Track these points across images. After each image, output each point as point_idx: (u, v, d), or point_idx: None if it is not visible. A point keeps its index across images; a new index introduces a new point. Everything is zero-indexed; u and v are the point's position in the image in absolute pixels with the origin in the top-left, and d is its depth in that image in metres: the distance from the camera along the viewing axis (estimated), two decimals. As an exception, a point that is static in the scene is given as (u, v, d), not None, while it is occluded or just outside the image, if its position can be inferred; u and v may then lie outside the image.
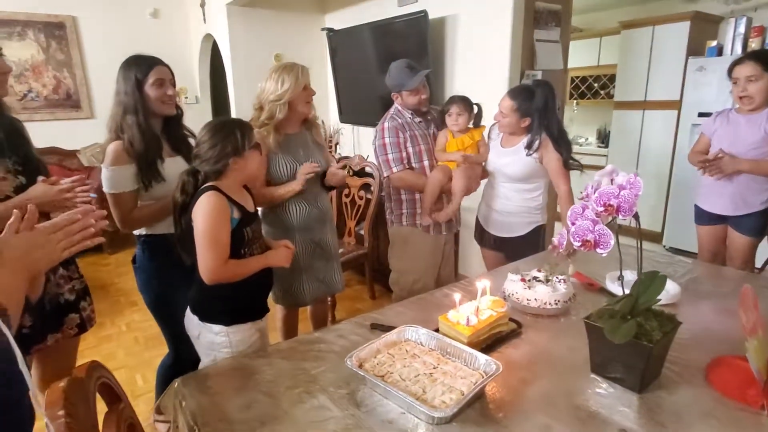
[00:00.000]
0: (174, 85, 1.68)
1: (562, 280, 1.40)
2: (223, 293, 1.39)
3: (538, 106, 1.94)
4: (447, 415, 0.90)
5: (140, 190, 1.61)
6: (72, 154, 4.30)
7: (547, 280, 1.39)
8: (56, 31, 4.29)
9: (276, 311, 2.12)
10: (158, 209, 1.62)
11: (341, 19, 4.15)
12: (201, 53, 4.82)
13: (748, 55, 2.07)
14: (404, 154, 2.06)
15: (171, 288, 1.66)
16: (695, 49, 3.95)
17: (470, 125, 2.09)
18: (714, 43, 3.86)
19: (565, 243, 0.96)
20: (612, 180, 1.02)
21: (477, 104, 2.08)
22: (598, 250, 0.87)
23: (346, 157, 3.80)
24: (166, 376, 1.80)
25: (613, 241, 0.87)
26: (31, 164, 1.37)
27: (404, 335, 1.20)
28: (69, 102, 4.52)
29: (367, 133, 4.10)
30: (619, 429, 0.90)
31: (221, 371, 1.14)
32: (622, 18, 4.48)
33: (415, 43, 3.10)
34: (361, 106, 3.99)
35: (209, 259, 1.32)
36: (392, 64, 2.07)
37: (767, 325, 0.99)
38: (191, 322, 1.46)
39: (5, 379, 0.82)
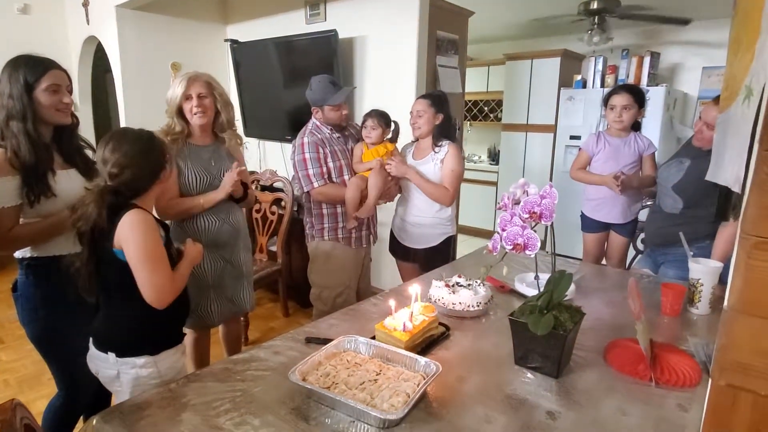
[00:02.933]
0: (71, 92, 1.51)
1: (481, 284, 1.53)
2: (142, 322, 1.27)
3: (445, 105, 2.15)
4: (398, 416, 0.93)
5: (23, 206, 1.41)
6: None
7: (469, 285, 1.51)
8: None
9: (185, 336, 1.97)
10: (46, 227, 1.43)
11: (245, 32, 4.05)
12: (81, 57, 4.34)
13: (623, 87, 2.47)
14: (325, 169, 2.08)
15: (61, 319, 1.47)
16: (565, 80, 4.58)
17: (386, 140, 2.19)
18: (579, 77, 4.52)
19: (498, 246, 1.07)
20: (526, 191, 1.16)
21: (395, 122, 2.20)
22: (527, 251, 0.98)
23: (253, 172, 3.68)
24: (58, 418, 1.57)
25: (539, 244, 0.99)
26: None
27: (343, 346, 1.21)
28: None
29: (273, 148, 4.02)
30: (547, 411, 1.01)
31: (149, 401, 1.04)
32: (507, 50, 5.03)
33: (323, 61, 3.15)
34: (267, 120, 3.91)
35: (158, 279, 1.21)
36: (313, 78, 2.09)
37: (647, 311, 1.20)
38: (103, 362, 1.29)
39: None
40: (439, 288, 1.53)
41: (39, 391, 2.24)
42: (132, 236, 1.19)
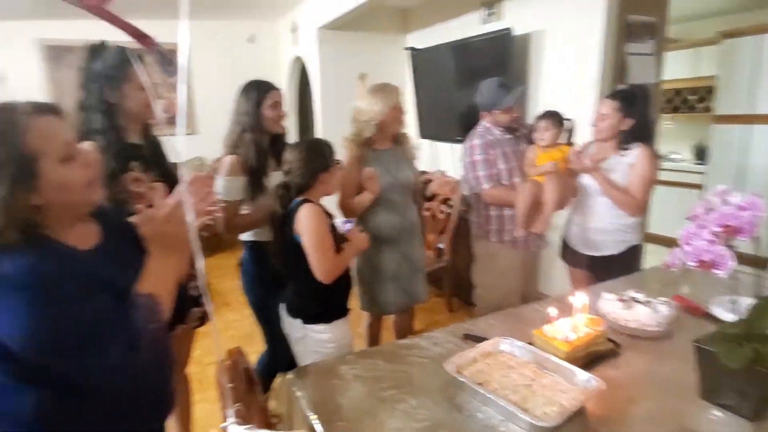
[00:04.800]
0: (284, 107, 1.87)
1: (665, 303, 1.35)
2: (319, 294, 1.55)
3: (639, 107, 1.92)
4: (550, 425, 0.92)
5: (245, 200, 1.79)
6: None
7: (648, 302, 1.36)
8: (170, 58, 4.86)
9: (362, 318, 2.24)
10: (257, 219, 1.79)
11: (423, 38, 4.28)
12: (290, 74, 5.20)
13: None
14: (495, 171, 2.09)
15: (271, 291, 1.82)
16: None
17: (560, 141, 2.07)
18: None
19: (678, 262, 0.96)
20: (725, 200, 1.00)
21: (569, 120, 2.06)
22: (715, 271, 0.85)
23: (425, 172, 3.88)
24: (266, 371, 1.96)
25: (732, 263, 0.85)
26: (169, 177, 1.59)
27: (499, 346, 1.24)
28: (174, 119, 5.06)
29: (445, 149, 4.16)
30: (736, 457, 0.87)
31: (330, 366, 1.25)
32: (722, 27, 4.18)
33: (497, 61, 3.13)
34: (440, 122, 4.06)
35: (324, 261, 1.49)
36: (483, 82, 2.12)
37: None
38: (293, 326, 1.61)
39: (158, 360, 0.98)
40: (610, 302, 1.41)
41: (253, 347, 2.79)
42: (305, 227, 1.49)
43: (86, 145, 0.91)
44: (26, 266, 0.76)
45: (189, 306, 1.62)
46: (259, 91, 1.78)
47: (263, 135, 1.79)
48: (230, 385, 0.79)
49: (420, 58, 4.13)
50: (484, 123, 2.16)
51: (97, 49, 1.42)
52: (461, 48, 3.57)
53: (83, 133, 1.34)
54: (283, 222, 1.58)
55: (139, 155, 1.46)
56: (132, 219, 1.16)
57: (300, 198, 1.55)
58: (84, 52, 1.44)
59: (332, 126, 4.34)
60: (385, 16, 4.47)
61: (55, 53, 4.58)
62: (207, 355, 2.74)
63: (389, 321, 2.40)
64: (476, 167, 2.10)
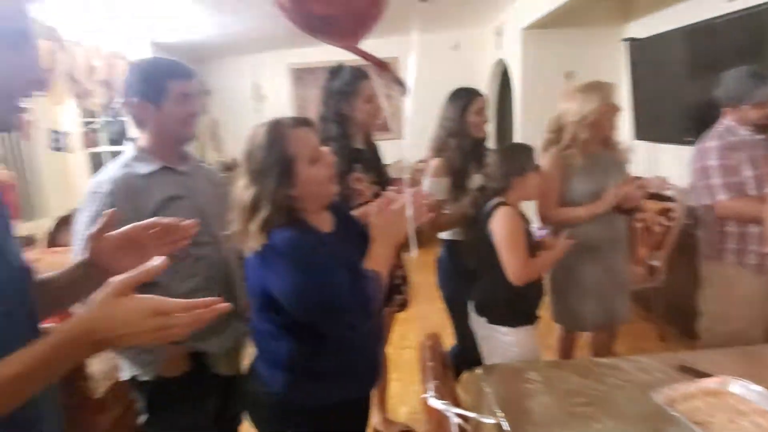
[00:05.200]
0: (487, 112, 1.93)
1: None
2: (505, 296, 1.56)
3: None
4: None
5: (448, 200, 1.90)
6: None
7: None
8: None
9: (553, 329, 2.13)
10: (457, 218, 1.88)
11: (646, 27, 3.77)
12: (491, 78, 5.22)
13: None
14: (736, 180, 1.72)
15: (465, 288, 1.90)
16: None
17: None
18: None
19: None
20: None
21: None
22: None
23: (639, 178, 3.42)
24: (456, 362, 2.06)
25: None
26: (384, 178, 1.82)
27: (728, 386, 1.04)
28: (383, 126, 5.63)
29: (666, 151, 3.59)
30: None
31: (519, 369, 1.25)
32: None
33: (749, 46, 2.54)
34: (663, 121, 3.52)
35: (515, 263, 1.51)
36: (729, 72, 1.77)
37: None
38: (478, 323, 1.66)
39: (375, 332, 1.16)
40: None
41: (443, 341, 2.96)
42: (500, 227, 1.52)
43: (325, 149, 1.14)
44: (289, 239, 1.01)
45: (393, 292, 1.82)
46: (465, 98, 1.88)
47: (466, 139, 1.88)
48: (431, 363, 0.89)
49: (641, 49, 3.65)
50: (726, 121, 1.80)
51: (335, 71, 1.72)
52: (698, 32, 3.01)
53: (322, 140, 1.65)
54: (477, 222, 1.64)
55: (361, 158, 1.71)
56: (356, 212, 1.39)
57: (497, 200, 1.59)
58: (325, 73, 1.77)
59: (533, 130, 4.17)
60: (600, 8, 4.08)
61: (300, 74, 5.63)
62: (401, 340, 3.00)
63: (584, 338, 2.22)
64: (709, 174, 1.77)
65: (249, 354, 1.27)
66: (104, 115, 3.63)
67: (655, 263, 2.77)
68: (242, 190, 1.06)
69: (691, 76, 3.13)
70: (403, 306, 1.90)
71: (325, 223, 1.15)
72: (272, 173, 1.03)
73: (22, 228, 3.03)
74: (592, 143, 1.87)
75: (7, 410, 0.56)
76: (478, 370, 1.27)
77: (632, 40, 3.74)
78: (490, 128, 5.29)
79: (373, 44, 1.22)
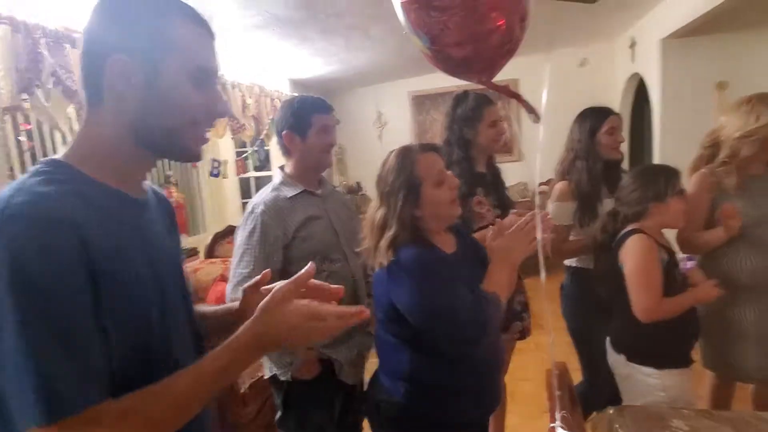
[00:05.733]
0: (621, 132, 1.81)
1: None
2: (648, 333, 1.40)
3: None
4: None
5: (575, 226, 1.80)
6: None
7: None
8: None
9: (704, 377, 1.85)
10: (585, 245, 1.76)
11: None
12: (624, 94, 4.82)
13: None
14: None
15: (593, 318, 1.76)
16: None
17: None
18: None
19: None
20: None
21: None
22: None
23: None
24: (581, 401, 1.91)
25: None
26: (505, 201, 1.80)
27: None
28: (504, 148, 5.52)
29: None
30: None
31: (659, 414, 1.13)
32: None
33: None
34: None
35: (644, 298, 1.37)
36: None
37: None
38: (617, 360, 1.52)
39: (495, 353, 1.16)
40: None
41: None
42: (629, 257, 1.41)
43: (449, 173, 1.19)
44: (414, 256, 1.08)
45: (512, 319, 1.77)
46: (593, 118, 1.79)
47: (596, 162, 1.78)
48: (559, 392, 0.86)
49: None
50: None
51: (461, 98, 1.77)
52: None
53: (446, 164, 1.71)
54: (609, 250, 1.53)
55: (482, 182, 1.73)
56: (476, 235, 1.41)
57: (632, 227, 1.46)
58: (444, 99, 1.85)
59: (675, 148, 3.75)
60: (757, 9, 3.55)
61: (419, 101, 5.84)
62: (519, 370, 2.86)
63: (745, 390, 1.89)
64: None
65: (372, 365, 1.35)
66: (252, 145, 4.18)
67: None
68: (373, 210, 1.16)
69: None
70: (523, 334, 1.84)
71: (447, 244, 1.19)
72: (400, 194, 1.11)
73: (187, 241, 3.62)
74: (755, 163, 1.63)
75: (188, 418, 0.61)
76: (611, 410, 1.17)
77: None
78: (624, 148, 4.90)
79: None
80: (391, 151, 1.19)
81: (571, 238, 1.83)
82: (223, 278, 2.81)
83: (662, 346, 1.42)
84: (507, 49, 1.11)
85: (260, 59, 3.92)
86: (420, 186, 1.11)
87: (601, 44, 5.05)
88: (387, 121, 6.01)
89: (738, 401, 1.87)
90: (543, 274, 1.00)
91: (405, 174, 1.12)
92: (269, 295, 0.66)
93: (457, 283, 1.07)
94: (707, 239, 1.65)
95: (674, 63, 3.83)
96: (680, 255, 1.65)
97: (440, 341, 1.08)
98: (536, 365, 3.00)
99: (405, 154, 1.16)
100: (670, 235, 1.66)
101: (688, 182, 1.70)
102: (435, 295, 1.04)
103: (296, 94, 1.67)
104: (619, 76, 4.92)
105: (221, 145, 4.08)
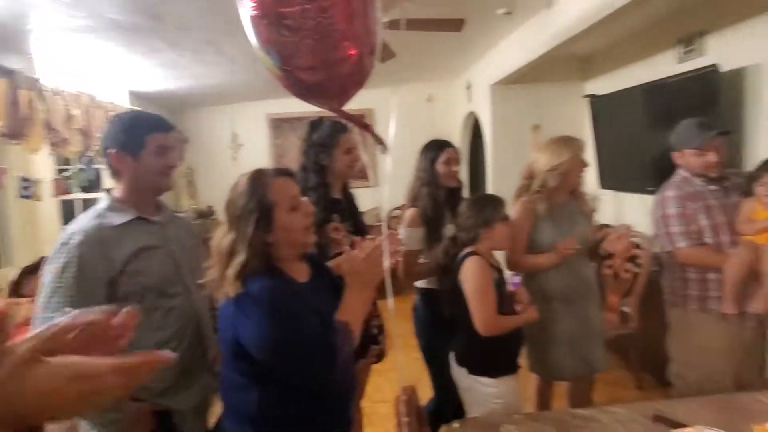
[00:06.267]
0: (458, 163, 2.00)
1: None
2: (485, 345, 1.56)
3: None
4: None
5: (423, 250, 1.92)
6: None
7: None
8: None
9: (530, 380, 2.12)
10: (432, 267, 1.89)
11: (605, 84, 4.05)
12: (463, 129, 5.44)
13: None
14: (693, 227, 1.82)
15: (443, 337, 1.89)
16: None
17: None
18: None
19: None
20: None
21: None
22: None
23: (606, 225, 3.55)
24: (431, 419, 2.00)
25: None
26: (361, 227, 1.84)
27: (703, 437, 1.05)
28: (360, 174, 5.71)
29: (631, 200, 3.76)
30: None
31: (496, 423, 1.23)
32: None
33: (701, 103, 2.75)
34: (626, 171, 3.71)
35: (482, 314, 1.52)
36: (682, 122, 1.91)
37: None
38: (460, 374, 1.65)
39: (346, 384, 1.14)
40: None
41: (419, 392, 2.88)
42: (467, 278, 1.56)
43: (304, 199, 1.16)
44: (263, 287, 1.01)
45: (369, 343, 1.79)
46: (433, 149, 1.96)
47: (439, 189, 1.93)
48: (406, 419, 0.87)
49: (601, 105, 3.90)
50: (682, 172, 1.91)
51: (316, 124, 1.77)
52: (653, 91, 3.26)
53: (302, 190, 1.67)
54: (450, 271, 1.66)
55: (338, 208, 1.74)
56: (330, 262, 1.39)
57: (468, 250, 1.62)
58: (302, 123, 1.83)
59: (503, 178, 4.34)
60: (561, 66, 4.38)
61: (277, 124, 5.75)
62: (376, 392, 2.90)
63: (562, 388, 2.21)
64: (669, 223, 1.86)
65: (218, 410, 1.22)
66: (78, 162, 3.58)
67: (627, 310, 2.83)
68: (221, 235, 1.07)
69: (649, 130, 3.34)
70: (380, 357, 1.87)
71: (301, 272, 1.15)
72: (251, 219, 1.04)
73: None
74: (560, 192, 1.96)
75: None
76: (455, 425, 1.24)
77: (593, 96, 4.00)
78: (464, 177, 5.47)
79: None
80: (243, 174, 1.12)
81: (421, 260, 1.94)
82: (29, 322, 2.30)
83: (497, 356, 1.59)
84: (357, 79, 1.15)
85: (92, 66, 3.43)
86: (272, 210, 1.06)
87: (445, 83, 5.65)
88: (243, 143, 5.76)
89: (558, 398, 2.17)
90: (390, 298, 1.03)
91: (257, 197, 1.06)
92: (10, 354, 0.47)
93: (309, 314, 1.04)
94: (540, 262, 1.91)
95: (501, 106, 4.47)
96: (507, 272, 1.88)
97: (288, 376, 1.03)
98: (393, 386, 3.09)
99: (257, 177, 1.10)
100: (500, 255, 1.89)
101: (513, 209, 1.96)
102: (282, 329, 0.99)
103: (134, 108, 1.48)
104: (459, 113, 5.55)
105: (37, 162, 3.39)
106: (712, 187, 1.85)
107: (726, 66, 2.68)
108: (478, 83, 4.80)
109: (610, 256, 2.10)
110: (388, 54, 2.63)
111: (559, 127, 2.91)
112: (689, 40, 3.08)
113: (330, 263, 1.46)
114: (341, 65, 1.09)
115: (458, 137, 5.51)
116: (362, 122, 1.19)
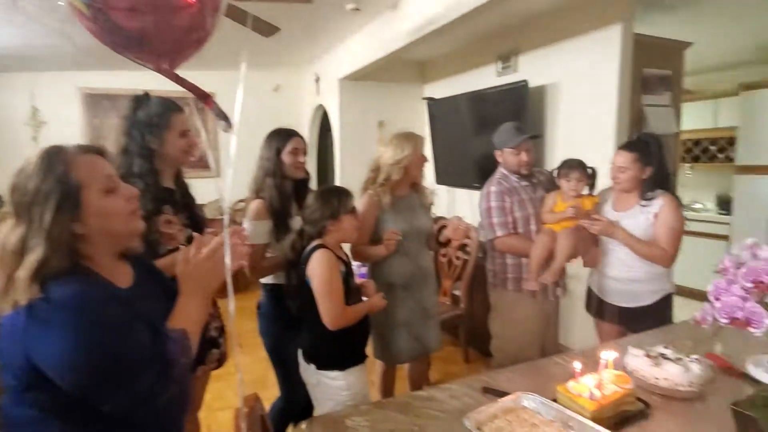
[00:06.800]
0: (305, 153, 1.93)
1: (697, 361, 1.29)
2: (332, 340, 1.53)
3: (656, 154, 1.91)
4: (578, 491, 0.87)
5: (272, 244, 1.82)
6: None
7: (678, 359, 1.30)
8: (200, 105, 5.09)
9: (375, 367, 2.18)
10: (280, 262, 1.81)
11: (440, 89, 4.42)
12: (312, 121, 5.38)
13: None
14: (510, 219, 2.08)
15: (289, 335, 1.81)
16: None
17: (586, 194, 2.05)
18: None
19: (710, 318, 0.92)
20: (755, 254, 0.98)
21: (592, 168, 2.05)
22: (750, 329, 0.82)
23: (442, 217, 3.89)
24: (279, 417, 1.91)
25: (767, 321, 0.82)
26: (197, 219, 1.63)
27: (521, 402, 1.19)
28: (200, 163, 5.22)
29: (462, 195, 4.19)
30: None
31: (343, 417, 1.21)
32: (741, 79, 4.23)
33: (513, 111, 3.19)
34: (457, 168, 4.12)
35: (331, 307, 1.48)
36: (503, 124, 2.16)
37: None
38: (307, 370, 1.60)
39: (180, 399, 0.98)
40: (637, 357, 1.36)
41: (266, 392, 2.72)
42: (315, 272, 1.51)
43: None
44: (73, 293, 0.79)
45: (208, 347, 1.61)
46: (279, 138, 1.85)
47: (284, 180, 1.84)
48: (247, 434, 0.78)
49: (437, 108, 4.25)
50: (501, 170, 2.17)
51: (141, 100, 1.50)
52: (478, 98, 3.67)
53: (123, 176, 1.40)
54: (297, 266, 1.60)
55: (171, 199, 1.51)
56: (158, 262, 1.19)
57: (315, 243, 1.57)
58: (128, 101, 1.53)
59: (351, 171, 4.44)
60: (404, 68, 4.65)
61: (94, 100, 4.86)
62: (217, 400, 2.68)
63: (404, 370, 2.33)
64: (491, 214, 2.10)
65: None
66: None
67: (457, 293, 3.14)
68: (7, 231, 0.80)
69: (474, 133, 3.76)
70: (221, 361, 1.70)
71: (121, 276, 0.94)
72: (48, 204, 0.80)
73: None
74: (403, 185, 2.06)
75: None
76: (303, 426, 1.18)
77: (430, 99, 4.33)
78: (312, 169, 5.42)
79: (186, 76, 1.10)
80: (33, 155, 0.86)
81: (268, 255, 1.83)
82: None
83: (345, 349, 1.58)
84: (195, 37, 0.97)
85: None
86: (79, 192, 0.83)
87: (293, 74, 5.50)
88: (46, 120, 4.74)
89: (399, 380, 2.28)
90: (231, 301, 0.91)
91: (54, 176, 0.81)
92: None
93: (133, 324, 0.84)
94: (375, 252, 1.97)
95: (349, 100, 4.54)
96: (355, 263, 1.90)
97: (104, 402, 0.81)
98: (235, 391, 2.89)
99: (54, 152, 0.85)
100: (347, 246, 1.89)
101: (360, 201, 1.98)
102: (99, 344, 0.78)
103: None
104: (307, 104, 5.47)
105: None
106: (524, 183, 2.15)
107: (533, 82, 3.15)
108: (327, 76, 4.79)
109: (445, 244, 2.31)
110: (271, 28, 2.37)
111: (402, 124, 3.06)
112: (506, 58, 3.55)
113: (160, 262, 1.25)
114: (176, 14, 0.89)
115: (307, 129, 5.44)
116: (201, 91, 1.02)
